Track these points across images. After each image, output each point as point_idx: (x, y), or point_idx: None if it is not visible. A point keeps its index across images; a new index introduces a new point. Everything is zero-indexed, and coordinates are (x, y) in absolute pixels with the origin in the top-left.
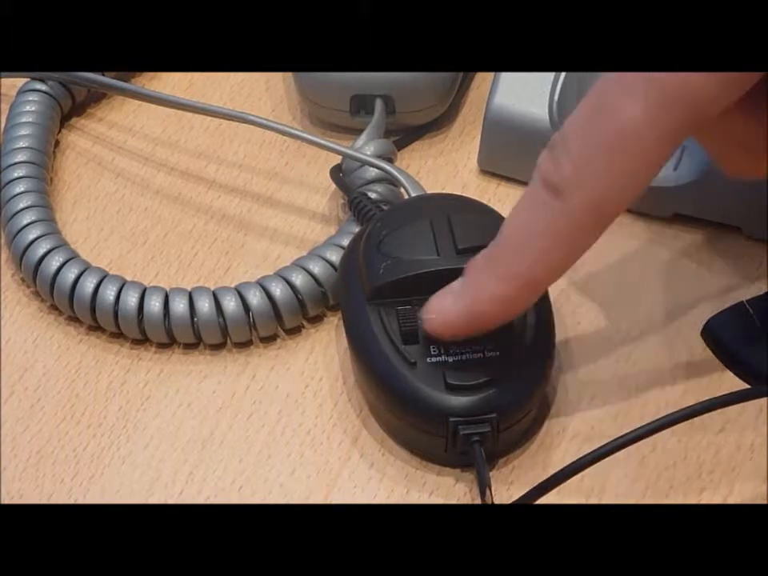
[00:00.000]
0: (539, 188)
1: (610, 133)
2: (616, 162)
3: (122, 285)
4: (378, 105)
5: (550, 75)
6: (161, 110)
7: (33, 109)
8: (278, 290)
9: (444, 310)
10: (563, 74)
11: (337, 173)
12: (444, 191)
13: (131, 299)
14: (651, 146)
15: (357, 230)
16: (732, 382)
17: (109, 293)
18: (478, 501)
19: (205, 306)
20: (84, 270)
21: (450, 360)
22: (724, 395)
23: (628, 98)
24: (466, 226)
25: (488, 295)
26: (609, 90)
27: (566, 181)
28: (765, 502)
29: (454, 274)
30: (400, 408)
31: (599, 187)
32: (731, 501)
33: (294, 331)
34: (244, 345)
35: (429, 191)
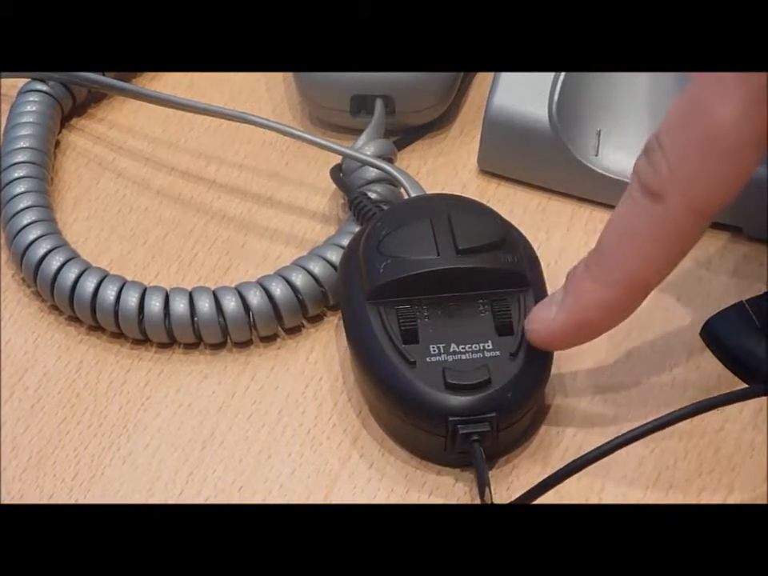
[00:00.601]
0: (637, 192)
1: (705, 133)
2: (713, 163)
3: (123, 285)
4: (378, 105)
5: (550, 75)
6: (161, 110)
7: (33, 109)
8: (278, 289)
9: (549, 319)
10: (563, 73)
11: (337, 173)
12: (444, 191)
13: (131, 299)
14: (747, 144)
15: (357, 229)
16: (731, 382)
17: (109, 293)
18: (478, 500)
19: (205, 305)
20: (84, 270)
21: (450, 359)
22: (723, 394)
23: (723, 97)
24: (466, 226)
25: (594, 302)
26: (702, 90)
27: (663, 184)
28: (765, 502)
29: (454, 273)
30: (399, 407)
31: (697, 189)
32: (731, 500)
33: (294, 331)
34: (244, 345)
35: (429, 191)
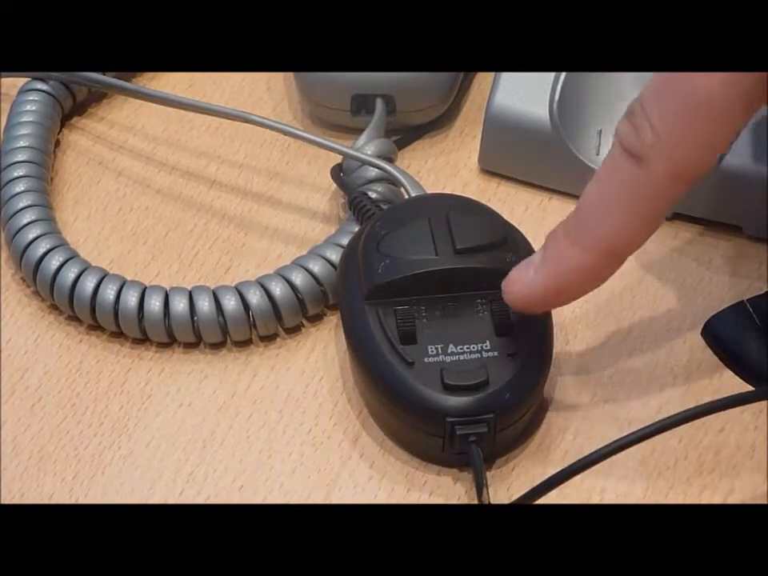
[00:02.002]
0: (618, 155)
1: (688, 97)
2: (696, 126)
3: (122, 284)
4: (379, 104)
5: (551, 74)
6: (162, 110)
7: (33, 108)
8: (277, 289)
9: (525, 282)
10: (564, 73)
11: (337, 172)
12: (444, 191)
13: (131, 298)
14: (729, 109)
15: (357, 229)
16: (732, 382)
17: (109, 292)
18: (477, 501)
19: (205, 305)
20: (84, 270)
21: (448, 360)
22: (726, 398)
23: None
24: (464, 226)
25: (570, 266)
26: None
27: (646, 147)
28: (765, 502)
29: (452, 273)
30: (397, 408)
31: (680, 152)
32: (732, 500)
33: (294, 330)
34: (244, 344)
35: (429, 191)
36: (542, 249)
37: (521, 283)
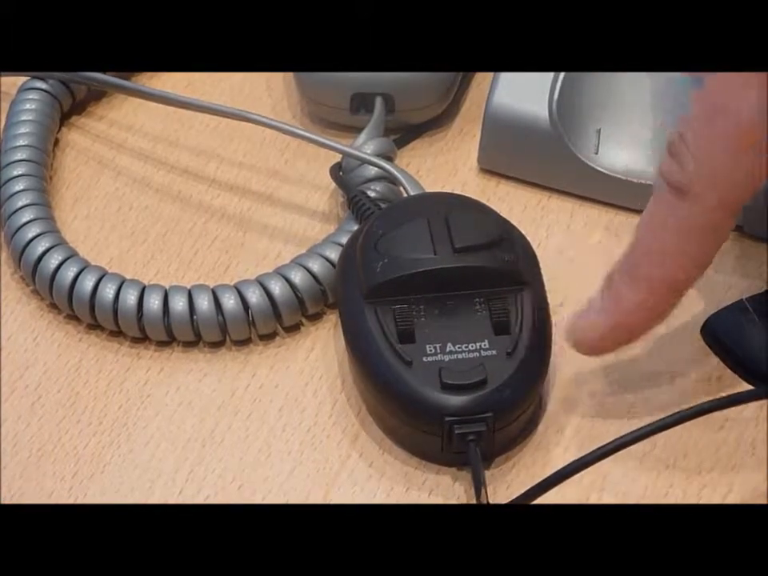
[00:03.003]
0: (665, 191)
1: (729, 129)
2: (740, 158)
3: (121, 283)
4: (378, 103)
5: (550, 73)
6: (161, 108)
7: (33, 107)
8: (277, 287)
9: (590, 327)
10: (563, 72)
11: (336, 171)
12: (444, 190)
13: (130, 297)
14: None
15: (356, 228)
16: (732, 380)
17: (108, 291)
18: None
19: (204, 304)
20: (83, 269)
21: (446, 359)
22: (726, 396)
23: (746, 91)
24: (463, 225)
25: (633, 304)
26: (724, 86)
27: (691, 181)
28: (765, 500)
29: (451, 272)
30: (396, 407)
31: (726, 184)
32: (731, 498)
33: (294, 329)
34: (243, 343)
35: (429, 190)
36: (600, 291)
37: (585, 330)
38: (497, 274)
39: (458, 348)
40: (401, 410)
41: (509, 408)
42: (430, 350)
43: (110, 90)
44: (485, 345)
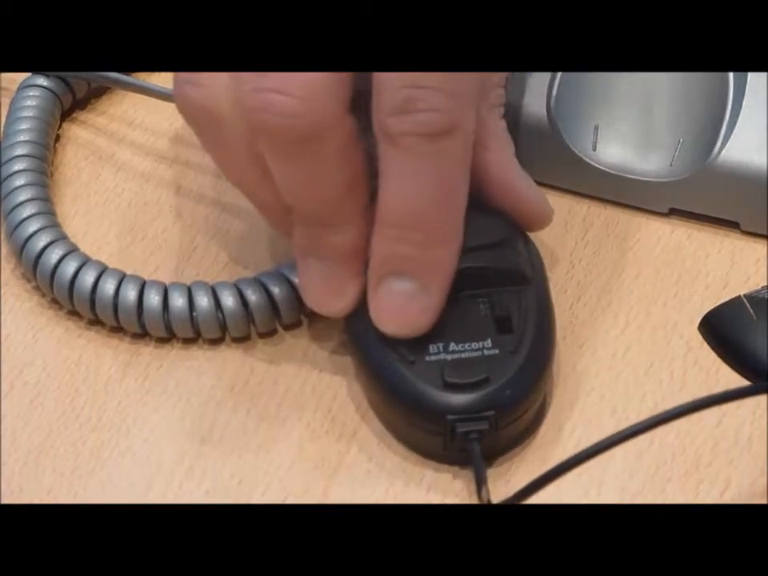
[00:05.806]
0: (419, 149)
1: None
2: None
3: (122, 278)
4: None
5: (548, 73)
6: (162, 104)
7: (33, 104)
8: (277, 286)
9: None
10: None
11: None
12: None
13: (130, 293)
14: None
15: None
16: (730, 376)
17: (108, 286)
18: (476, 497)
19: (204, 301)
20: (83, 264)
21: (449, 358)
22: (724, 392)
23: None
24: (466, 226)
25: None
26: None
27: (453, 115)
28: (763, 496)
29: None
30: (398, 406)
31: (472, 94)
32: (729, 494)
33: (293, 326)
34: (243, 339)
35: None
36: None
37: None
38: (501, 274)
39: (461, 347)
40: (403, 408)
41: (511, 407)
42: (433, 349)
43: (110, 86)
44: (488, 344)
